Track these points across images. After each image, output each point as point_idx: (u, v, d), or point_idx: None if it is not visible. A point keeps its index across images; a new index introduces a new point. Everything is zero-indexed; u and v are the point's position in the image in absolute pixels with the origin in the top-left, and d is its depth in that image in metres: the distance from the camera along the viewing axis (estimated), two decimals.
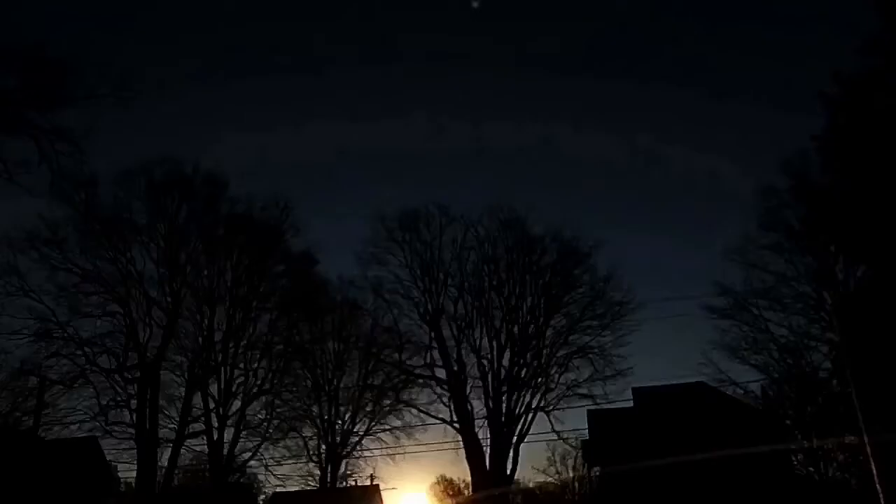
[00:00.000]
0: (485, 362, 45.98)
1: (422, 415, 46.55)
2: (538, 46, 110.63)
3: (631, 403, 38.28)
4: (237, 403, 42.98)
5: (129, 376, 40.50)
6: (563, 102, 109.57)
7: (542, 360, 45.97)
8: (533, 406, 44.84)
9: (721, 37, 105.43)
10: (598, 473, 46.60)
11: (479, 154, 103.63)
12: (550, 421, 44.45)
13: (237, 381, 43.39)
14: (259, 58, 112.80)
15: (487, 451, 44.24)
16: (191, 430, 42.13)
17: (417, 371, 46.93)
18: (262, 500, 54.90)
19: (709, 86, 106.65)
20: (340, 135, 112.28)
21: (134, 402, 40.06)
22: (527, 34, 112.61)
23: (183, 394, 42.35)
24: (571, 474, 67.61)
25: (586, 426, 40.93)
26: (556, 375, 45.86)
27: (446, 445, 46.46)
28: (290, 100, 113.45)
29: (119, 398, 40.38)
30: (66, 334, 39.34)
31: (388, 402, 48.17)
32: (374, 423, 48.51)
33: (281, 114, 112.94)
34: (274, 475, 46.70)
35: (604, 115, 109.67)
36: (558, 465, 67.14)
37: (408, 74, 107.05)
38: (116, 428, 40.17)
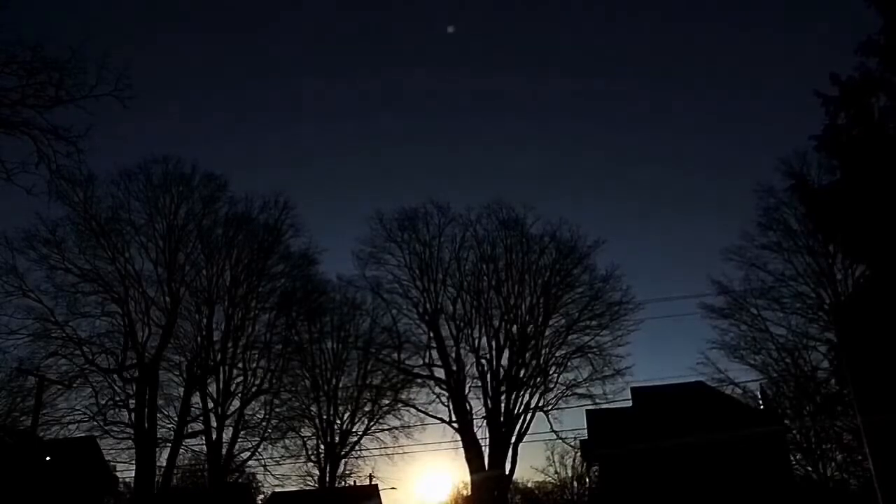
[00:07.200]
0: (483, 362, 46.05)
1: (420, 414, 46.65)
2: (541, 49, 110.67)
3: (630, 403, 38.25)
4: (236, 403, 43.10)
5: (128, 376, 40.52)
6: (562, 104, 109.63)
7: (541, 360, 45.98)
8: (532, 406, 44.91)
9: (721, 37, 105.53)
10: (596, 473, 46.62)
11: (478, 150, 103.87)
12: (549, 420, 44.61)
13: (236, 381, 43.47)
14: (258, 59, 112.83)
15: (486, 450, 44.26)
16: (189, 430, 42.20)
17: (416, 371, 46.91)
18: (261, 499, 54.89)
19: (709, 85, 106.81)
20: (341, 135, 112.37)
21: (132, 402, 40.10)
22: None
23: (182, 393, 42.44)
24: (570, 474, 67.73)
25: (585, 426, 40.96)
26: (555, 375, 46.02)
27: (445, 445, 46.49)
28: (290, 100, 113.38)
29: (117, 398, 40.47)
30: (64, 334, 39.41)
31: (386, 401, 48.22)
32: (372, 423, 48.56)
33: (281, 113, 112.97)
34: (273, 475, 46.85)
35: (604, 113, 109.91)
36: (557, 464, 67.18)
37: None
38: (115, 428, 40.32)
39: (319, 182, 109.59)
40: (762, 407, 39.95)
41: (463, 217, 47.92)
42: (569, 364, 45.71)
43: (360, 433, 48.51)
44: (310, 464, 48.11)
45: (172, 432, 41.32)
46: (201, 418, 42.12)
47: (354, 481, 50.84)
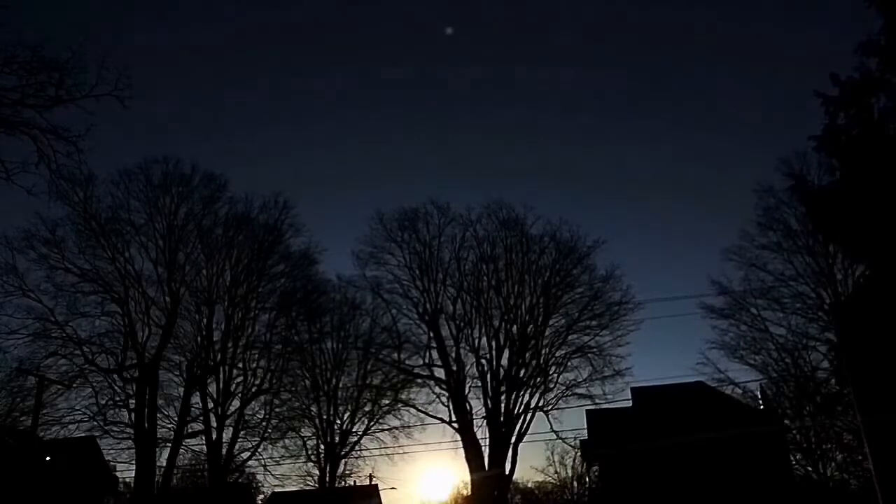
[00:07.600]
0: (483, 362, 46.03)
1: (420, 414, 46.63)
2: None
3: (630, 403, 38.30)
4: (236, 403, 43.08)
5: (128, 376, 40.53)
6: (563, 103, 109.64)
7: (541, 360, 45.97)
8: (532, 406, 44.90)
9: (722, 37, 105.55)
10: (596, 473, 46.66)
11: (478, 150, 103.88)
12: (549, 420, 44.60)
13: (236, 381, 43.46)
14: (258, 59, 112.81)
15: (486, 450, 44.25)
16: (189, 430, 42.20)
17: (416, 371, 46.90)
18: (261, 499, 54.97)
19: (709, 85, 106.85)
20: (341, 135, 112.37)
21: (132, 402, 40.10)
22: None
23: (181, 393, 42.43)
24: (570, 474, 67.75)
25: (585, 426, 40.99)
26: (555, 375, 46.02)
27: (445, 445, 46.42)
28: (290, 99, 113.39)
29: (117, 398, 40.47)
30: (64, 334, 39.39)
31: (386, 401, 48.18)
32: (372, 423, 48.50)
33: (281, 113, 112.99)
34: (273, 475, 46.79)
35: (604, 113, 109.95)
36: (557, 464, 67.22)
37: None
38: (115, 428, 40.32)
39: (320, 182, 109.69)
40: (762, 407, 39.97)
41: (463, 217, 48.01)
42: (569, 364, 45.81)
43: (360, 433, 48.53)
44: (310, 464, 48.14)
45: (172, 432, 41.33)
46: (201, 418, 42.12)
47: (354, 481, 50.92)
